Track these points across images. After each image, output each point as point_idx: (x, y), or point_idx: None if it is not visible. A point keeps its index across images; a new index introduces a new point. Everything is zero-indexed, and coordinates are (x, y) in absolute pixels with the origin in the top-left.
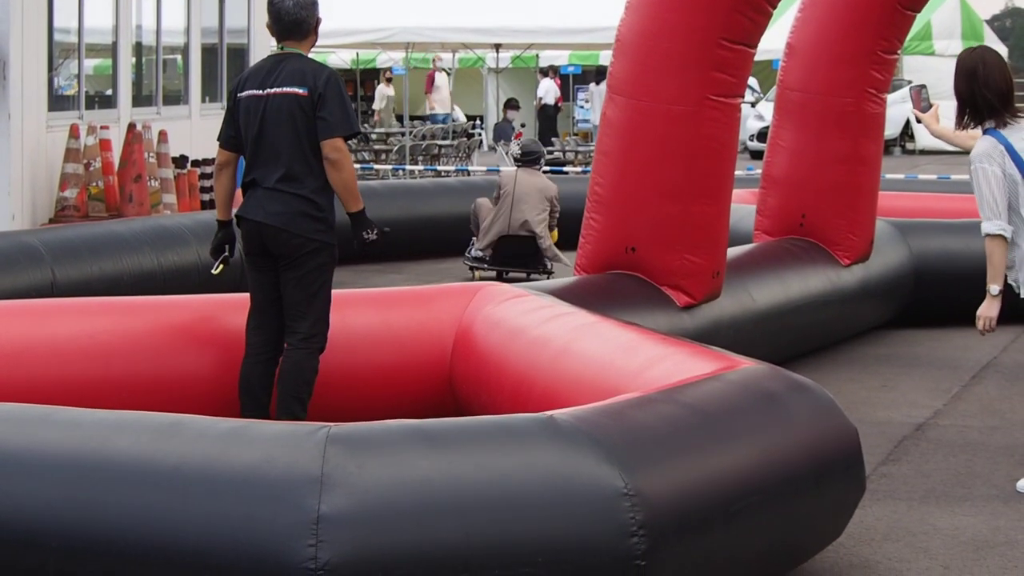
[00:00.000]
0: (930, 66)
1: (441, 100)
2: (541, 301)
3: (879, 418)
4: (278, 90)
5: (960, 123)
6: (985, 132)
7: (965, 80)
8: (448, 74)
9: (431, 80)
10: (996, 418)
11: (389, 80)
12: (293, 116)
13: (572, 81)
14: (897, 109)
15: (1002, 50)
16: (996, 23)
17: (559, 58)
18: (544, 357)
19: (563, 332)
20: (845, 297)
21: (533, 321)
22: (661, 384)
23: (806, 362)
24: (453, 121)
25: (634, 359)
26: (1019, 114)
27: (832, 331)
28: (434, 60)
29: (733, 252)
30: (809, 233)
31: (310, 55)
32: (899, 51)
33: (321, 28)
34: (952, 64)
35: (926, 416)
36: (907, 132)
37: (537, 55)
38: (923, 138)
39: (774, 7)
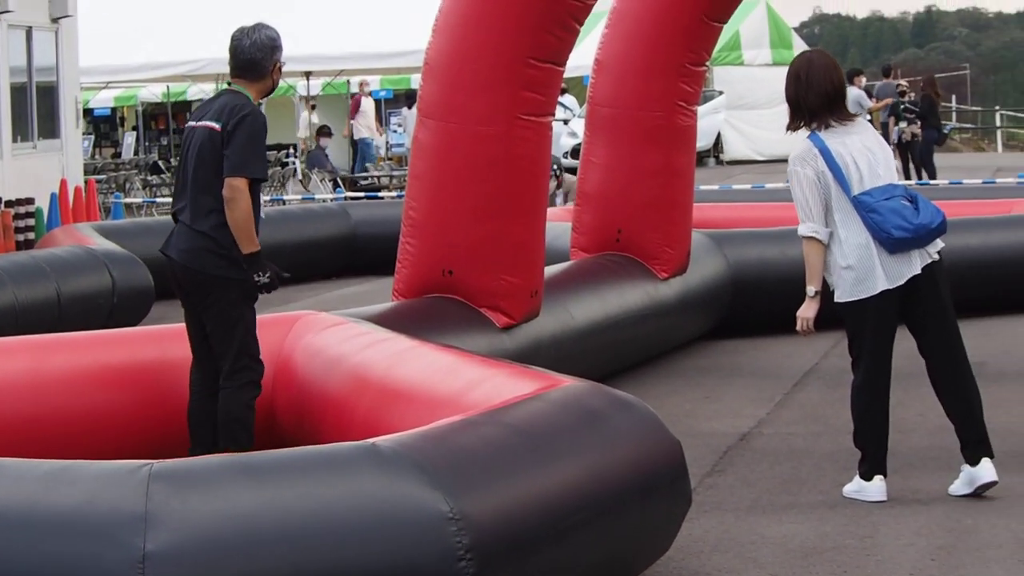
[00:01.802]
0: (740, 76)
1: (367, 126)
2: (360, 328)
3: (703, 429)
4: (202, 123)
5: (790, 125)
6: (808, 135)
7: (791, 83)
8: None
9: (356, 105)
10: (820, 424)
11: (313, 107)
12: (204, 150)
13: (384, 106)
14: (708, 121)
15: None
16: (805, 30)
17: (371, 83)
18: (365, 384)
19: (383, 358)
20: (664, 310)
21: (352, 348)
22: (483, 406)
23: (628, 377)
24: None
25: (455, 382)
26: (848, 117)
27: (653, 345)
28: (361, 84)
29: (551, 270)
30: (626, 248)
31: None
32: (708, 62)
33: (129, 62)
34: (762, 73)
35: (750, 425)
36: (719, 144)
37: (348, 81)
38: (733, 149)
39: (581, 24)
